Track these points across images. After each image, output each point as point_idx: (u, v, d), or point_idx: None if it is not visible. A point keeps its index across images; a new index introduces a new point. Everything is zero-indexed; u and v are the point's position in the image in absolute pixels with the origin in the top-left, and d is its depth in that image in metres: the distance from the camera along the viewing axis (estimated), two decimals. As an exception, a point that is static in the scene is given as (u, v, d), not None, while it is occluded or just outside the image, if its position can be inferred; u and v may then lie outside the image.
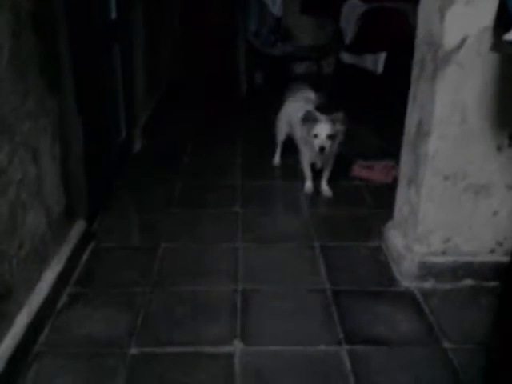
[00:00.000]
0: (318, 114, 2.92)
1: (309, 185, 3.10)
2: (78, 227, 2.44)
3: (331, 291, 2.18)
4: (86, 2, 2.65)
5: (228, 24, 4.99)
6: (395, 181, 2.50)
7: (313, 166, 3.12)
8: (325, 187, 3.08)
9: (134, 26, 3.63)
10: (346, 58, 5.11)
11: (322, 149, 2.83)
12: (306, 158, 3.08)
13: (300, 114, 2.98)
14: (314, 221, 2.77)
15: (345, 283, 2.25)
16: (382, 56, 4.62)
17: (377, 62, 4.69)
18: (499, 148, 2.06)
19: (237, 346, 1.89)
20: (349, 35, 5.09)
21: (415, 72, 2.21)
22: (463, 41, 1.94)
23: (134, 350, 1.87)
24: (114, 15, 3.19)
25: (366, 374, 1.78)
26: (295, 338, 1.93)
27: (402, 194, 2.35)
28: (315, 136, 2.85)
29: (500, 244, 2.19)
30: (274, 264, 2.39)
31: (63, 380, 1.75)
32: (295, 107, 3.20)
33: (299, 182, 3.13)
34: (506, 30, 1.69)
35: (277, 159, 3.48)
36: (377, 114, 4.27)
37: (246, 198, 3.00)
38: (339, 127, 2.88)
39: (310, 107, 3.07)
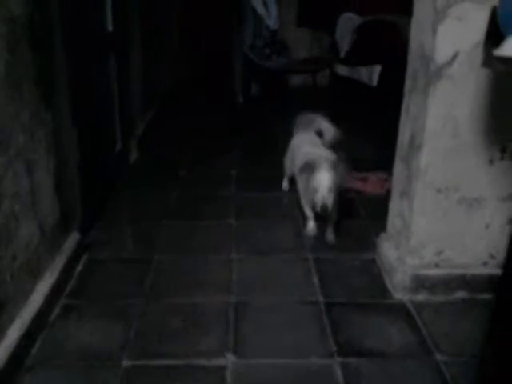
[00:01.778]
0: (318, 160, 2.53)
1: (311, 226, 2.74)
2: (72, 239, 2.44)
3: (324, 303, 2.18)
4: (82, 15, 2.67)
5: (225, 37, 5.03)
6: (389, 193, 2.52)
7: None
8: (330, 235, 2.68)
9: (131, 38, 3.66)
10: (341, 70, 5.16)
11: (324, 208, 2.46)
12: (306, 201, 2.72)
13: (299, 162, 2.68)
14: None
15: (338, 295, 2.25)
16: (377, 69, 4.66)
17: (371, 75, 4.73)
18: (491, 161, 2.08)
19: (229, 359, 1.88)
20: (344, 48, 5.14)
21: (408, 85, 2.23)
22: (455, 56, 1.96)
23: (126, 363, 1.87)
24: (110, 27, 3.21)
25: (358, 384, 1.78)
26: (287, 351, 1.93)
27: (394, 207, 2.36)
28: (315, 190, 2.48)
29: (492, 256, 2.20)
30: (267, 276, 2.39)
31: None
32: (299, 147, 2.90)
33: (294, 193, 3.12)
34: (497, 46, 1.72)
35: (285, 184, 3.24)
36: (371, 127, 4.29)
37: (241, 210, 3.01)
38: (341, 174, 2.52)
39: (316, 150, 2.75)
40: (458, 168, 2.08)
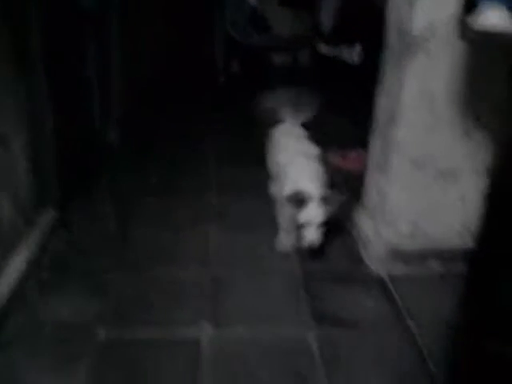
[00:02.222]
0: (307, 193, 2.17)
1: (284, 239, 2.40)
2: (48, 215, 2.42)
3: (301, 275, 2.20)
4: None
5: (206, 13, 4.96)
6: (368, 169, 2.52)
7: None
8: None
9: (111, 16, 3.59)
10: (324, 49, 5.13)
11: (311, 246, 2.18)
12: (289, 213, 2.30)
13: (287, 189, 2.24)
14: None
15: (315, 267, 2.27)
16: (358, 47, 4.65)
17: (353, 54, 4.72)
18: (467, 133, 2.09)
19: (205, 329, 1.90)
20: (327, 26, 5.11)
21: (384, 59, 2.23)
22: (431, 29, 1.96)
23: (102, 336, 1.87)
24: (89, 3, 3.15)
25: (333, 355, 1.80)
26: (263, 321, 1.95)
27: (371, 181, 2.38)
28: (302, 225, 2.18)
29: (468, 229, 2.22)
30: (244, 250, 2.40)
31: (31, 366, 1.74)
32: (286, 162, 2.41)
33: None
34: (472, 17, 1.72)
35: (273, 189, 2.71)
36: (352, 104, 4.28)
37: (221, 186, 3.01)
38: (333, 206, 2.20)
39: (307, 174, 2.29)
40: (433, 141, 2.09)
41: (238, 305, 2.04)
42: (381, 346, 1.87)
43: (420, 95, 2.02)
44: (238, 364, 1.76)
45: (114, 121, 3.62)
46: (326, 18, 5.11)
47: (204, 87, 4.81)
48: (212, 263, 2.30)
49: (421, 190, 2.16)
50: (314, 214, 2.15)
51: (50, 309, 2.00)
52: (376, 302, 2.07)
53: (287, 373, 1.73)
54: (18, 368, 1.73)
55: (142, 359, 1.77)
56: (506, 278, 1.59)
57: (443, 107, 2.04)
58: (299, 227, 2.20)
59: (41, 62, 2.32)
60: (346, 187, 2.98)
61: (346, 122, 3.98)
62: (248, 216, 2.69)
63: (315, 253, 2.23)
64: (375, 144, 2.33)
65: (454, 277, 2.18)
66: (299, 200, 2.16)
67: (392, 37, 2.15)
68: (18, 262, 2.07)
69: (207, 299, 2.06)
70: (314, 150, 2.50)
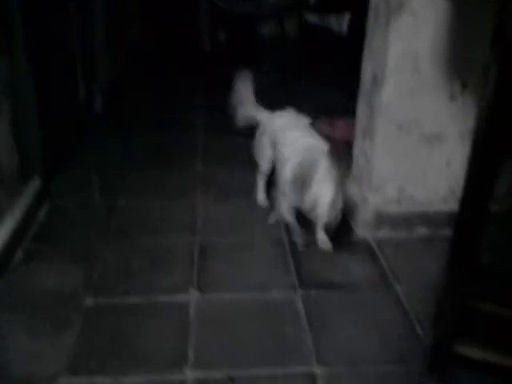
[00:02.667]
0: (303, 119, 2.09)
1: (298, 234, 2.20)
2: (33, 185, 2.40)
3: (288, 241, 2.20)
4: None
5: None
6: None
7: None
8: (322, 236, 2.15)
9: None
10: (311, 18, 5.08)
11: (330, 226, 2.03)
12: (289, 203, 2.14)
13: (291, 168, 2.05)
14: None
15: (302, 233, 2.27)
16: (346, 17, 4.60)
17: (341, 23, 4.68)
18: (452, 96, 2.08)
19: (192, 295, 1.90)
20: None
21: (370, 21, 2.20)
22: (415, -13, 1.94)
23: (89, 302, 1.87)
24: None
25: (319, 315, 1.82)
26: (250, 286, 1.95)
27: (357, 146, 2.37)
28: (313, 204, 1.97)
29: (453, 192, 2.23)
30: (232, 218, 2.40)
31: (17, 333, 1.74)
32: (286, 129, 2.27)
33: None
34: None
35: (261, 196, 2.50)
36: (342, 74, 4.24)
37: (207, 156, 2.99)
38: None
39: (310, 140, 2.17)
40: (418, 104, 2.08)
41: (226, 272, 2.04)
42: (367, 308, 1.88)
43: (405, 56, 2.00)
44: (223, 326, 1.77)
45: (98, 91, 3.57)
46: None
47: (190, 57, 4.75)
48: (199, 232, 2.29)
49: (406, 154, 2.16)
50: (327, 195, 1.94)
51: (36, 277, 1.99)
52: (363, 266, 2.08)
53: (273, 334, 1.74)
54: (3, 335, 1.73)
55: (128, 324, 1.77)
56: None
57: (428, 69, 2.03)
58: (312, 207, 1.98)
59: (22, 35, 2.27)
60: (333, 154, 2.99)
61: (336, 91, 3.96)
62: (235, 185, 2.68)
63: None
64: (361, 108, 2.31)
65: (439, 240, 2.21)
66: (307, 177, 1.95)
67: (376, -3, 2.13)
68: (2, 232, 2.05)
69: (194, 267, 2.06)
70: (304, 120, 2.42)
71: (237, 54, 4.51)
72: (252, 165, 2.83)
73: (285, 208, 2.15)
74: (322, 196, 1.96)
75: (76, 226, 2.33)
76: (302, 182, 1.98)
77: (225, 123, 3.39)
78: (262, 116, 2.46)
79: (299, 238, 2.18)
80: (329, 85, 3.97)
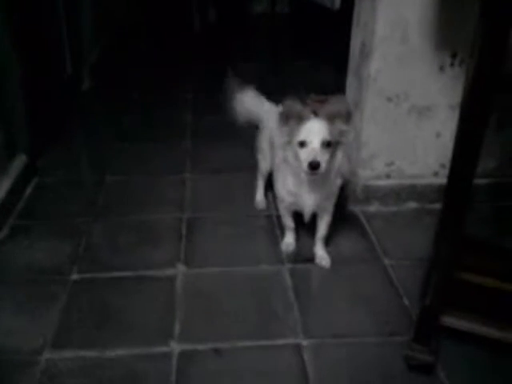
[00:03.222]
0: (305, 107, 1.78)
1: (288, 241, 2.02)
2: (20, 161, 2.37)
3: (276, 216, 2.18)
4: None
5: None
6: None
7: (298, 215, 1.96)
8: (321, 252, 1.96)
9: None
10: (303, -6, 5.00)
11: (313, 166, 1.64)
12: (285, 204, 1.94)
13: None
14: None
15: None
16: (339, -9, 4.52)
17: (334, -1, 4.60)
18: (441, 68, 2.05)
19: (179, 269, 1.89)
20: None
21: (359, -10, 2.16)
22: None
23: (75, 276, 1.85)
24: None
25: (306, 289, 1.82)
26: (238, 260, 1.94)
27: (347, 120, 2.34)
28: (301, 144, 1.69)
29: (443, 166, 2.21)
30: (221, 194, 2.38)
31: (2, 308, 1.72)
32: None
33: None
34: None
35: (259, 198, 2.31)
36: (332, 51, 4.20)
37: (196, 133, 2.96)
38: (341, 127, 1.73)
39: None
40: (408, 75, 2.05)
41: (213, 246, 2.02)
42: (355, 281, 1.88)
43: (393, 25, 1.97)
44: (210, 300, 1.76)
45: (87, 67, 3.53)
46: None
47: (180, 35, 4.69)
48: (187, 208, 2.27)
49: (395, 126, 2.14)
50: (314, 129, 1.68)
51: (22, 253, 1.97)
52: (351, 238, 2.07)
53: (259, 307, 1.73)
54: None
55: (114, 298, 1.76)
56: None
57: (417, 39, 1.99)
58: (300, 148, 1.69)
59: (3, 9, 2.23)
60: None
61: (326, 68, 3.92)
62: (224, 161, 2.66)
63: (316, 170, 1.65)
64: (351, 81, 2.28)
65: (429, 214, 2.20)
66: (294, 115, 1.71)
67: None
68: (-12, 208, 2.03)
69: (182, 242, 2.04)
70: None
71: (227, 32, 4.45)
72: (242, 143, 2.80)
73: (282, 208, 1.99)
74: (311, 132, 1.69)
75: (63, 202, 2.31)
76: (291, 120, 1.72)
77: (214, 101, 3.39)
78: (264, 108, 2.19)
79: (289, 245, 2.01)
80: (322, 62, 3.93)
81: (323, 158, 1.66)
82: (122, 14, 4.43)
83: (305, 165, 1.66)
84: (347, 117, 1.74)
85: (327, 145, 1.68)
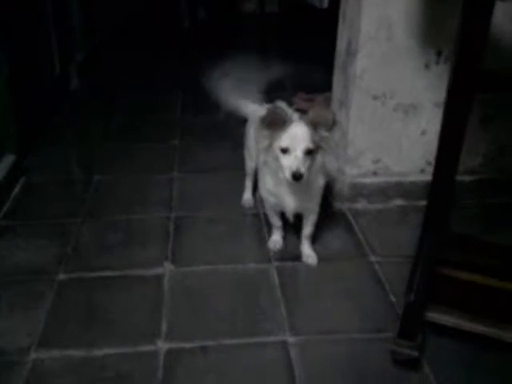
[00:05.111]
0: (288, 111, 1.76)
1: (276, 239, 2.01)
2: (6, 161, 2.37)
3: (264, 214, 2.19)
4: None
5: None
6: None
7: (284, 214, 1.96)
8: (307, 251, 1.95)
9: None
10: (292, -7, 5.01)
11: (296, 177, 1.63)
12: (269, 204, 1.94)
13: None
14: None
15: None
16: (327, -10, 4.53)
17: (322, -3, 4.61)
18: (427, 66, 2.07)
19: (167, 268, 1.89)
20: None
21: (345, -11, 2.17)
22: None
23: (62, 276, 1.85)
24: None
25: (294, 286, 1.82)
26: (226, 259, 1.95)
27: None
28: (284, 151, 1.67)
29: (429, 163, 2.23)
30: (208, 193, 2.38)
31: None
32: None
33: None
34: None
35: (246, 196, 2.30)
36: (321, 49, 4.21)
37: (185, 132, 2.96)
38: (323, 134, 1.71)
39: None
40: (393, 73, 2.07)
41: (201, 245, 2.02)
42: (342, 278, 1.89)
43: (379, 24, 1.98)
44: (197, 298, 1.76)
45: (75, 67, 3.52)
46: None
47: (168, 33, 4.68)
48: (175, 207, 2.27)
49: (382, 124, 2.15)
50: (297, 135, 1.66)
51: (9, 253, 1.97)
52: (338, 236, 2.08)
53: (246, 305, 1.74)
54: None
55: (101, 298, 1.76)
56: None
57: (403, 37, 2.01)
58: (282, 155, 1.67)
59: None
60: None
61: (314, 66, 3.92)
62: (212, 161, 2.66)
63: (298, 180, 1.65)
64: (337, 80, 2.29)
65: (415, 211, 2.22)
66: (277, 120, 1.68)
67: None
68: (-26, 208, 2.02)
69: (169, 241, 2.04)
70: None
71: (216, 30, 4.46)
72: (230, 142, 2.80)
73: (268, 208, 1.98)
74: (294, 139, 1.67)
75: (51, 201, 2.30)
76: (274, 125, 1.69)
77: (203, 102, 3.39)
78: (250, 108, 2.18)
79: (276, 242, 2.01)
80: (310, 59, 3.93)
81: (305, 166, 1.66)
82: (111, 12, 4.42)
83: (288, 173, 1.65)
84: (331, 125, 1.72)
85: (309, 152, 1.67)
